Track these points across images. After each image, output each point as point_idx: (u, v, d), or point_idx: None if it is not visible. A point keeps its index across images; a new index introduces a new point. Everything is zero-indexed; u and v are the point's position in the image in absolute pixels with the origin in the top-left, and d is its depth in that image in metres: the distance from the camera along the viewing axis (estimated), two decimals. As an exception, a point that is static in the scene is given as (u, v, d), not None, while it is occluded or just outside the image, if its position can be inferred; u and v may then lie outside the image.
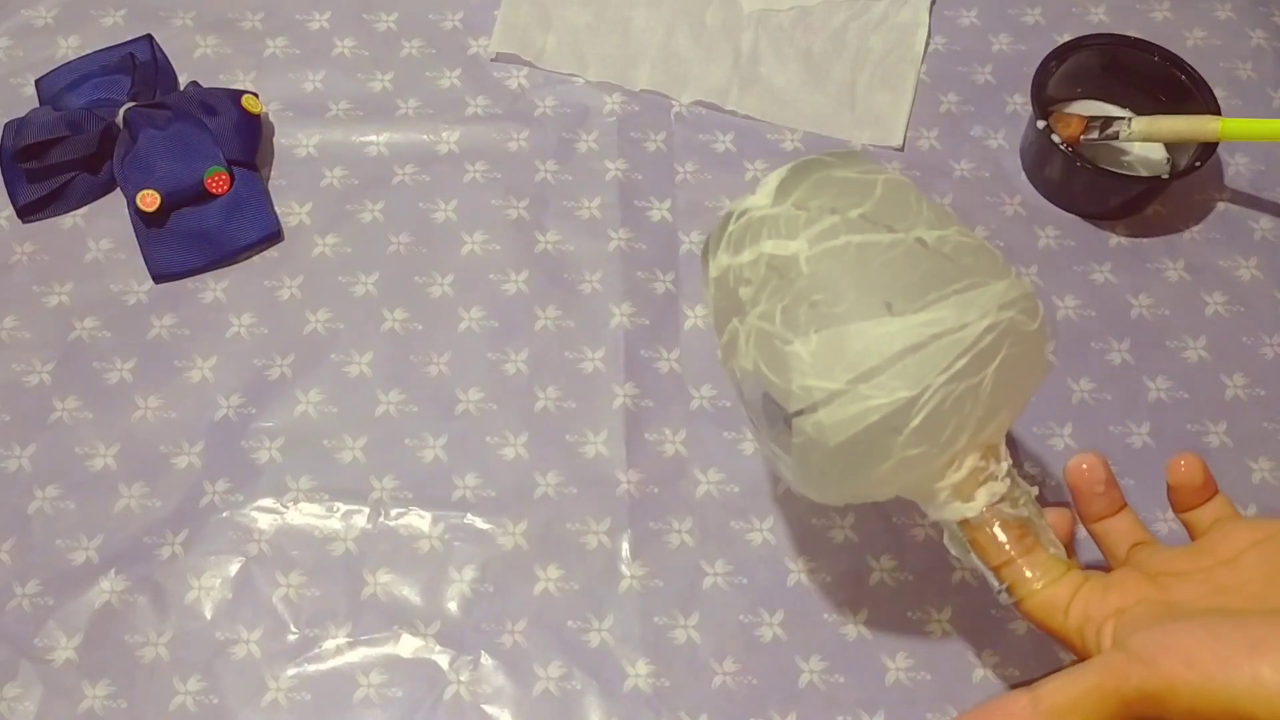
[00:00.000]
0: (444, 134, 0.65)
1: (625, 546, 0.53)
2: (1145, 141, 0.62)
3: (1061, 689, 0.36)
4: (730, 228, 0.45)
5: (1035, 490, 0.43)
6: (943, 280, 0.40)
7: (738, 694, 0.50)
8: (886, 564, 0.53)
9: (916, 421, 0.39)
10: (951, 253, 0.42)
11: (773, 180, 0.44)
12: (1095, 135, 0.62)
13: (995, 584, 0.41)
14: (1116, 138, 0.62)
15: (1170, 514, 0.55)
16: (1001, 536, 0.41)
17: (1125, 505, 0.45)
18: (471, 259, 0.61)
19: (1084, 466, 0.44)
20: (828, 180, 0.44)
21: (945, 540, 0.43)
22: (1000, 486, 0.41)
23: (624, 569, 0.53)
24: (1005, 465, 0.42)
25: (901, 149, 0.66)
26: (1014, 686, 0.39)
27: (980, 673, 0.51)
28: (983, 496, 0.41)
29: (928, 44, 0.70)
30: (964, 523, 0.42)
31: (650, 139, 0.65)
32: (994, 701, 0.37)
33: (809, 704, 0.50)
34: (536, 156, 0.65)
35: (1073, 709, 0.36)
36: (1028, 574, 0.41)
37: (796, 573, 0.53)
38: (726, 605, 0.52)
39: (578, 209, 0.63)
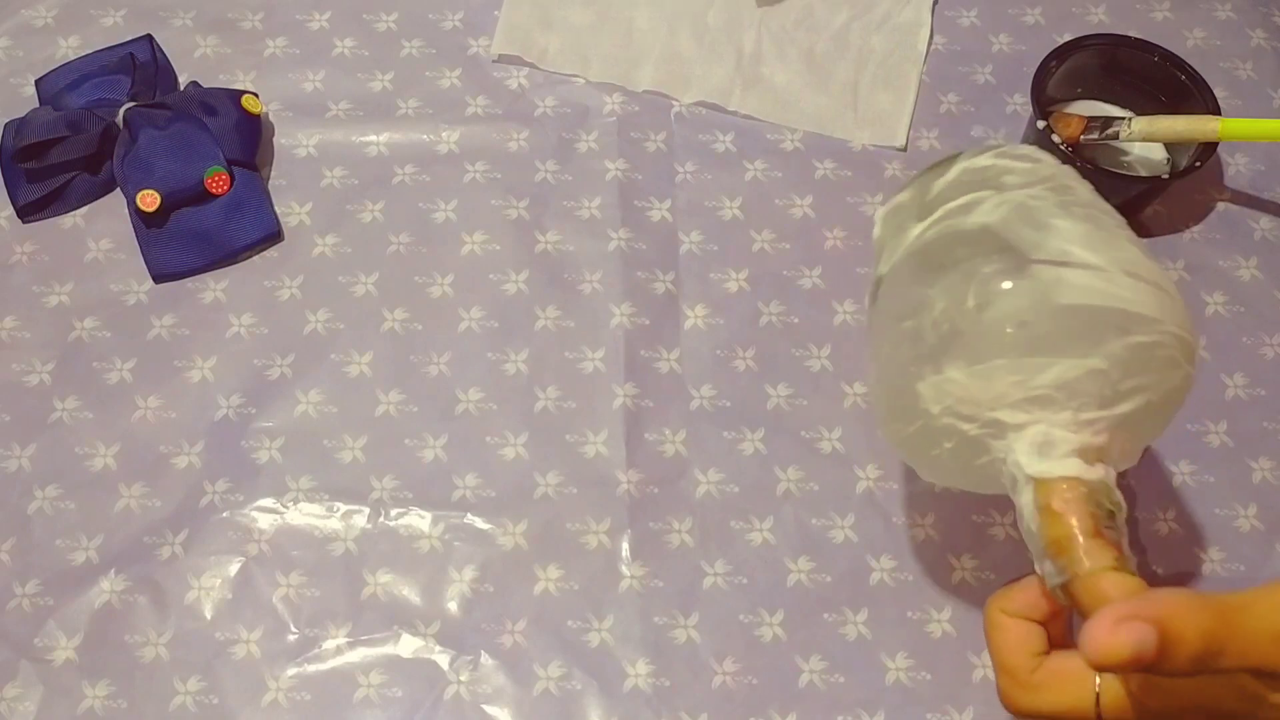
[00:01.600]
0: (444, 134, 0.65)
1: (625, 546, 0.53)
2: (1145, 141, 0.62)
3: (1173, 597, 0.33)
4: (950, 167, 0.46)
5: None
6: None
7: (738, 694, 0.50)
8: (886, 564, 0.53)
9: (1136, 340, 0.39)
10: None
11: (967, 154, 0.47)
12: (1095, 135, 0.62)
13: (1043, 562, 0.39)
14: (1116, 138, 0.62)
15: (1170, 514, 0.55)
16: (1079, 512, 0.38)
17: None
18: (471, 259, 0.61)
19: None
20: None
21: (1013, 493, 0.40)
22: (1109, 475, 0.40)
23: (624, 569, 0.53)
24: (1114, 472, 0.40)
25: (904, 149, 0.66)
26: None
27: (980, 673, 0.51)
28: (1097, 471, 0.39)
29: (929, 44, 0.70)
30: (1055, 482, 0.39)
31: (650, 139, 0.65)
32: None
33: (809, 704, 0.50)
34: (536, 156, 0.65)
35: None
36: (1084, 558, 0.37)
37: (796, 573, 0.53)
38: (726, 605, 0.52)
39: (578, 209, 0.63)
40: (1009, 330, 0.40)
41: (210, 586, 0.52)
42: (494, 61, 0.68)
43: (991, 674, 0.51)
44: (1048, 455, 0.39)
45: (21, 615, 0.51)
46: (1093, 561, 0.37)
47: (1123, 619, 0.32)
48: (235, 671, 0.50)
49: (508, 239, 0.62)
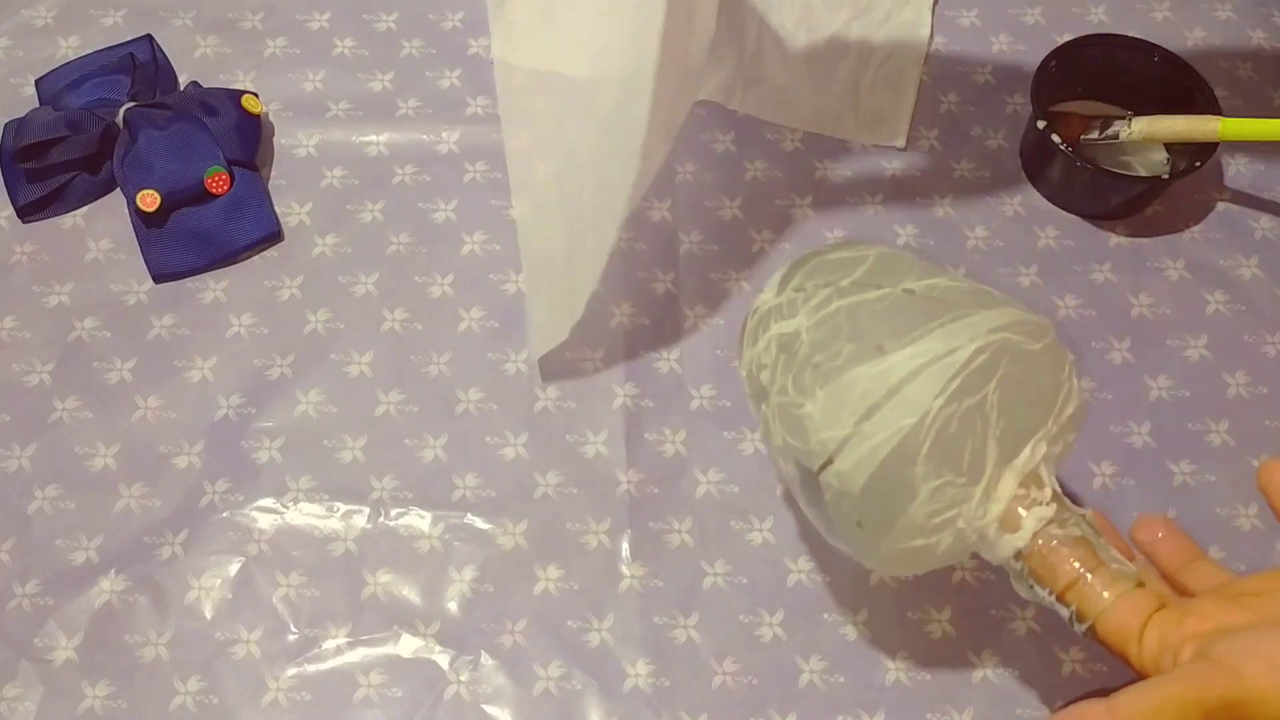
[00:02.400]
0: (444, 134, 0.65)
1: (625, 546, 0.53)
2: (1145, 141, 0.62)
3: (1141, 698, 0.34)
4: (748, 324, 0.48)
5: (1090, 511, 0.42)
6: (929, 317, 0.42)
7: (738, 694, 0.50)
8: (887, 564, 0.53)
9: (926, 447, 0.40)
10: (941, 295, 0.44)
11: (775, 277, 0.47)
12: (1095, 135, 0.62)
13: (1064, 612, 0.40)
14: (1116, 138, 0.62)
15: (1171, 513, 0.55)
16: (1058, 560, 0.40)
17: (1200, 555, 0.43)
18: (471, 259, 0.61)
19: (1144, 531, 0.44)
20: (822, 264, 0.46)
21: (1014, 584, 0.42)
22: (1047, 511, 0.41)
23: (624, 569, 0.53)
24: (1049, 490, 0.41)
25: (904, 149, 0.66)
26: (1083, 696, 0.37)
27: (980, 673, 0.51)
28: (1030, 523, 0.40)
29: (929, 44, 0.70)
30: (1019, 555, 0.41)
31: (650, 139, 0.65)
32: (1070, 710, 0.35)
33: (809, 704, 0.50)
34: (536, 156, 0.65)
35: (1152, 718, 0.34)
36: (1093, 592, 0.39)
37: (796, 573, 0.53)
38: (726, 605, 0.52)
39: (578, 209, 0.63)
40: (861, 530, 0.43)
41: (210, 586, 0.52)
42: (494, 62, 0.68)
43: (991, 674, 0.51)
44: (1007, 529, 0.41)
45: (21, 615, 0.51)
46: (1112, 592, 0.39)
47: None
48: (235, 671, 0.50)
49: (508, 239, 0.62)
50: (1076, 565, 0.39)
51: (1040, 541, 0.40)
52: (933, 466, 0.40)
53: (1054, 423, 0.42)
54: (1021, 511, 0.41)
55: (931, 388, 0.41)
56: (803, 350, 0.44)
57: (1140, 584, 0.39)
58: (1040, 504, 0.41)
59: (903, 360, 0.41)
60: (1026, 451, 0.41)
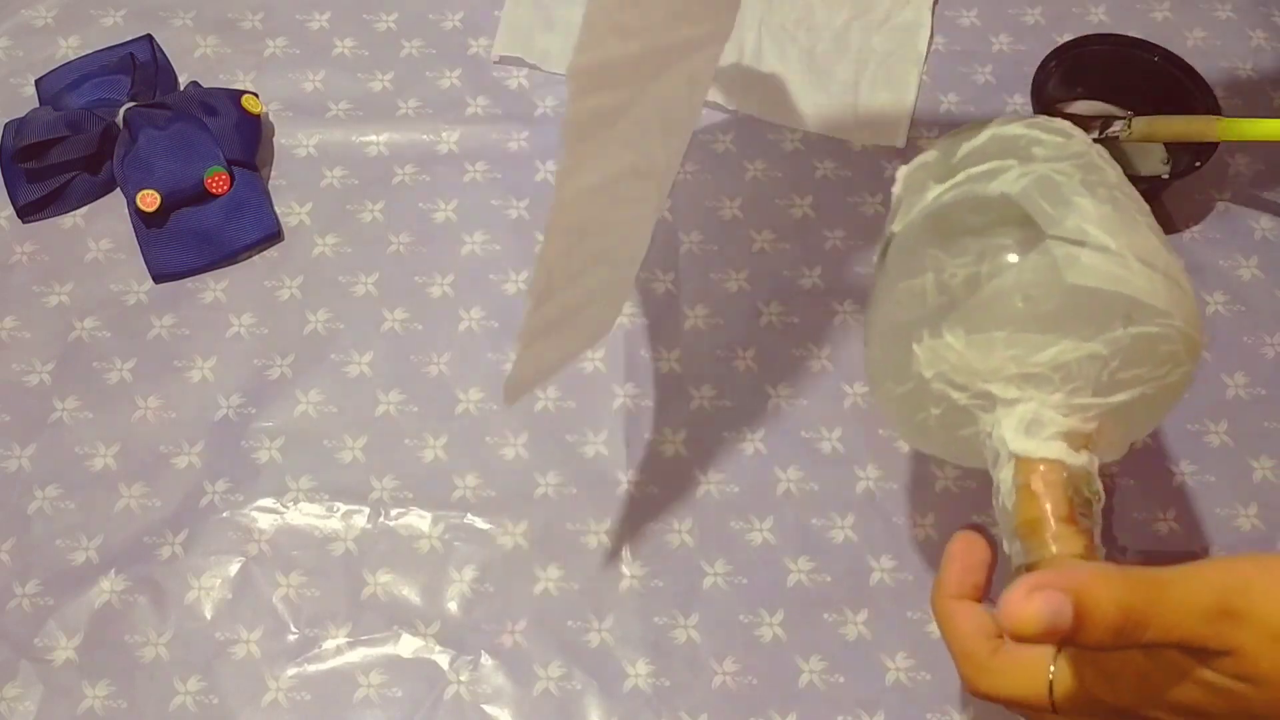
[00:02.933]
0: (444, 134, 0.65)
1: (625, 546, 0.53)
2: (1145, 141, 0.62)
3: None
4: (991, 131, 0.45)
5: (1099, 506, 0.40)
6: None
7: (738, 694, 0.50)
8: (886, 564, 0.53)
9: (1141, 330, 0.38)
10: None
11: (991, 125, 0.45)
12: (1095, 135, 0.62)
13: (1016, 540, 0.38)
14: (1116, 138, 0.62)
15: (1170, 514, 0.55)
16: (1055, 497, 0.38)
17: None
18: (471, 259, 0.61)
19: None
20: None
21: (992, 468, 0.40)
22: (1092, 463, 0.39)
23: (624, 569, 0.53)
24: (1098, 460, 0.40)
25: (904, 149, 0.66)
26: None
27: (980, 673, 0.51)
28: (1081, 458, 0.38)
29: (929, 44, 0.70)
30: (1037, 463, 0.38)
31: (650, 139, 0.65)
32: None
33: (809, 704, 0.50)
34: (536, 156, 0.65)
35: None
36: (1052, 542, 0.37)
37: (796, 573, 0.53)
38: (726, 605, 0.52)
39: (578, 209, 0.63)
40: (1013, 303, 0.39)
41: (210, 586, 0.52)
42: (494, 63, 0.68)
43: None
44: (1034, 434, 0.39)
45: (21, 615, 0.51)
46: (1060, 547, 0.37)
47: (1036, 588, 0.32)
48: (235, 671, 0.50)
49: (508, 239, 0.62)
50: (1061, 511, 0.37)
51: (1062, 469, 0.38)
52: (1130, 349, 0.38)
53: (1148, 426, 0.41)
54: (1080, 445, 0.39)
55: (1190, 312, 0.40)
56: (1099, 175, 0.42)
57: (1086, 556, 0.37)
58: (1091, 457, 0.39)
59: (1178, 270, 0.41)
60: (1122, 396, 0.39)
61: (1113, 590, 0.32)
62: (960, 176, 0.43)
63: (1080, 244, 0.39)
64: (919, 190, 0.45)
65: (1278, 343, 0.60)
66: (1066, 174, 0.42)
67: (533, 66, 0.68)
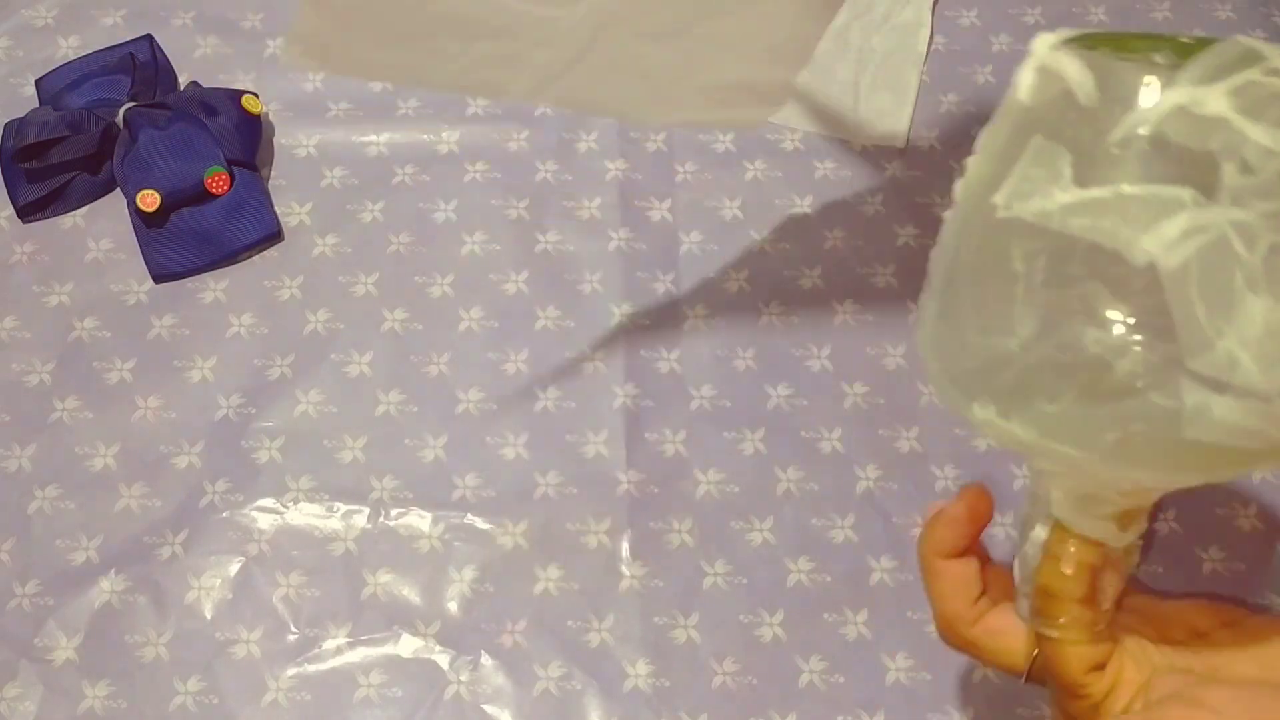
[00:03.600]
0: (444, 134, 0.65)
1: (625, 546, 0.53)
2: (1146, 141, 0.62)
3: None
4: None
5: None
6: None
7: (738, 694, 0.50)
8: (886, 564, 0.53)
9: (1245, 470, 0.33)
10: None
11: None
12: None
13: (1027, 600, 0.36)
14: (1117, 138, 0.61)
15: (1170, 514, 0.55)
16: (1082, 578, 0.35)
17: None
18: (471, 259, 0.61)
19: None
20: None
21: (1029, 506, 0.37)
22: (1136, 535, 0.36)
23: (624, 569, 0.53)
24: (1144, 525, 0.36)
25: (904, 149, 0.66)
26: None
27: (980, 673, 0.51)
28: (1127, 537, 0.35)
29: (929, 44, 0.70)
30: (1074, 538, 0.35)
31: (650, 139, 0.65)
32: None
33: (809, 704, 0.50)
34: (536, 156, 0.65)
35: None
36: (1062, 627, 0.35)
37: (796, 573, 0.53)
38: (726, 605, 0.52)
39: (578, 209, 0.63)
40: (1116, 442, 0.31)
41: (210, 586, 0.52)
42: (494, 61, 0.68)
43: (992, 674, 0.51)
44: (1085, 511, 0.34)
45: (21, 615, 0.51)
46: (1065, 634, 0.35)
47: None
48: (235, 671, 0.50)
49: (508, 239, 0.62)
50: (1084, 590, 0.35)
51: (1079, 547, 0.35)
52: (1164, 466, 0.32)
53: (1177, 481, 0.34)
54: (1131, 523, 0.35)
55: None
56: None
57: (1103, 638, 0.36)
58: (1130, 526, 0.35)
59: None
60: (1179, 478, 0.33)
61: None
62: (1099, 191, 0.30)
63: (1223, 387, 0.29)
64: (1036, 164, 0.32)
65: (1278, 343, 0.60)
66: (1252, 236, 0.29)
67: (533, 66, 0.68)
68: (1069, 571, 0.35)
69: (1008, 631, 0.38)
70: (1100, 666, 0.35)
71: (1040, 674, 0.37)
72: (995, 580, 0.39)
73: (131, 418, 0.56)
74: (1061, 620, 0.35)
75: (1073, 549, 0.35)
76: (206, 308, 0.59)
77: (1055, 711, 0.38)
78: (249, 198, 0.61)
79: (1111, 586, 0.36)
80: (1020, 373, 0.32)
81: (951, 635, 0.39)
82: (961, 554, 0.39)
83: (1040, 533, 0.36)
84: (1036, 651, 0.37)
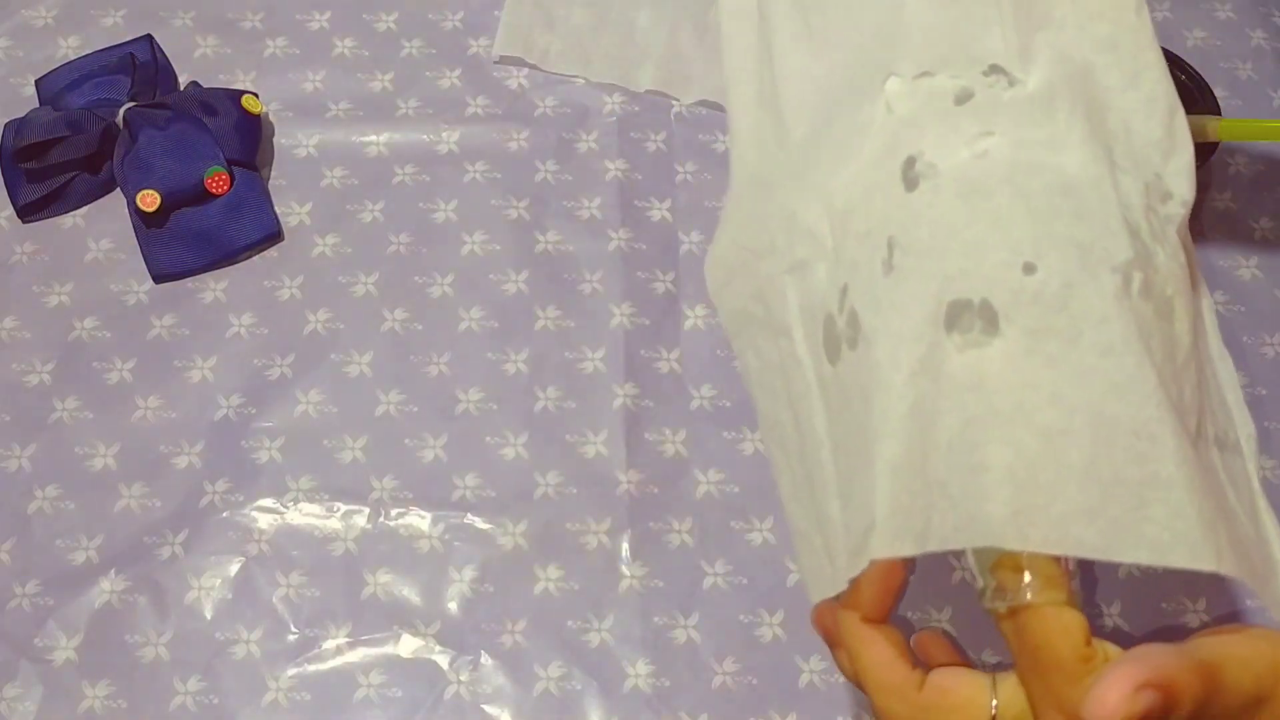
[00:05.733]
0: (444, 134, 0.65)
1: (625, 546, 0.53)
2: (1146, 141, 0.62)
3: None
4: None
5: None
6: None
7: (738, 694, 0.50)
8: (887, 564, 0.53)
9: None
10: None
11: None
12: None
13: (992, 578, 0.36)
14: (1117, 138, 0.61)
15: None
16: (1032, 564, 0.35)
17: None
18: (471, 259, 0.61)
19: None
20: None
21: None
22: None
23: (624, 569, 0.53)
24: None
25: (902, 149, 0.66)
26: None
27: (980, 673, 0.51)
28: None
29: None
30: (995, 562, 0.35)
31: (650, 139, 0.65)
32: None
33: (809, 704, 0.50)
34: (536, 156, 0.65)
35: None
36: (1037, 589, 0.35)
37: (796, 573, 0.53)
38: (726, 605, 0.52)
39: (578, 209, 0.63)
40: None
41: (210, 586, 0.52)
42: (495, 62, 0.68)
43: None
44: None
45: (21, 615, 0.51)
46: (1040, 596, 0.34)
47: (1141, 686, 0.30)
48: (235, 671, 0.50)
49: (508, 239, 0.62)
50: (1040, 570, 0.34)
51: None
52: None
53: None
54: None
55: None
56: None
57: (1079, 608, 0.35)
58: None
59: None
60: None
61: (1191, 685, 0.31)
62: None
63: None
64: None
65: (1277, 343, 0.60)
66: None
67: (533, 66, 0.68)
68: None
69: (961, 682, 0.35)
70: (1088, 640, 0.34)
71: (1011, 708, 0.35)
72: (919, 646, 0.37)
73: (131, 418, 0.56)
74: (1029, 579, 0.34)
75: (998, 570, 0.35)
76: (206, 308, 0.59)
77: None
78: (249, 198, 0.61)
79: (1065, 576, 0.35)
80: None
81: (899, 707, 0.35)
82: (883, 619, 0.36)
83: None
84: (996, 708, 0.34)
